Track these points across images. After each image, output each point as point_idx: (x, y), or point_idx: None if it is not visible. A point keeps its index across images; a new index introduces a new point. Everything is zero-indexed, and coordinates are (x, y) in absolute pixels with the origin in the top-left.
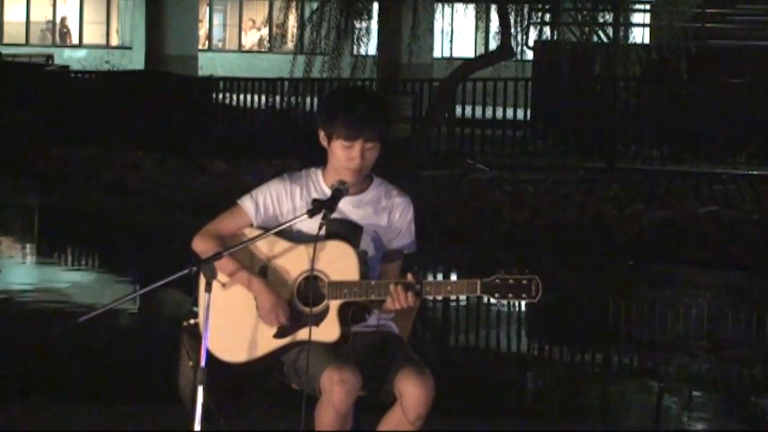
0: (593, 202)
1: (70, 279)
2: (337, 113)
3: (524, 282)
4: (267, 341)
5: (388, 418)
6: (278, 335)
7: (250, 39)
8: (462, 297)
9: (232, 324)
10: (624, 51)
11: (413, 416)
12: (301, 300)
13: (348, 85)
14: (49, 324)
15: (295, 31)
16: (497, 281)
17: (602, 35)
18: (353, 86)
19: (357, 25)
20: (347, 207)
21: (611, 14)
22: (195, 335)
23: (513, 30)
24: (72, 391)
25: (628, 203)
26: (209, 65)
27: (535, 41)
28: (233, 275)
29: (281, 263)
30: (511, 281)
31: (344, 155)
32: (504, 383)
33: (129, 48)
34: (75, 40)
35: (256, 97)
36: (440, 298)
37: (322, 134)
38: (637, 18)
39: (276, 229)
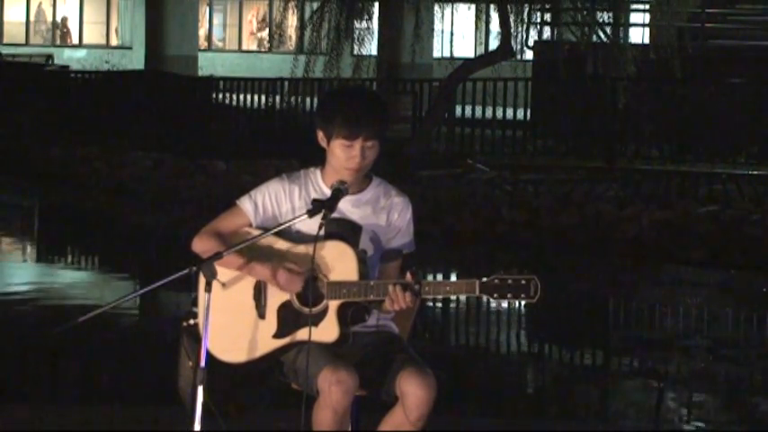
0: (593, 202)
1: (70, 279)
2: (336, 113)
3: (523, 282)
4: (267, 341)
5: (390, 418)
6: (277, 335)
7: (250, 39)
8: (462, 297)
9: (231, 324)
10: (623, 51)
11: (414, 416)
12: (300, 300)
13: (345, 84)
14: (49, 324)
15: (295, 31)
16: (496, 281)
17: (601, 35)
18: (350, 86)
19: (357, 25)
20: (346, 206)
21: (611, 14)
22: (195, 335)
23: (513, 30)
24: (72, 391)
25: (628, 203)
26: (209, 65)
27: (535, 41)
28: (241, 269)
29: (280, 263)
30: (510, 281)
31: (345, 154)
32: (504, 383)
33: (129, 48)
34: (76, 40)
35: (256, 97)
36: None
37: (321, 134)
38: (636, 18)
39: (276, 229)
